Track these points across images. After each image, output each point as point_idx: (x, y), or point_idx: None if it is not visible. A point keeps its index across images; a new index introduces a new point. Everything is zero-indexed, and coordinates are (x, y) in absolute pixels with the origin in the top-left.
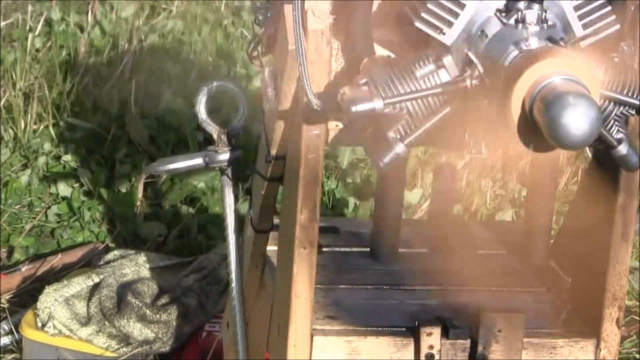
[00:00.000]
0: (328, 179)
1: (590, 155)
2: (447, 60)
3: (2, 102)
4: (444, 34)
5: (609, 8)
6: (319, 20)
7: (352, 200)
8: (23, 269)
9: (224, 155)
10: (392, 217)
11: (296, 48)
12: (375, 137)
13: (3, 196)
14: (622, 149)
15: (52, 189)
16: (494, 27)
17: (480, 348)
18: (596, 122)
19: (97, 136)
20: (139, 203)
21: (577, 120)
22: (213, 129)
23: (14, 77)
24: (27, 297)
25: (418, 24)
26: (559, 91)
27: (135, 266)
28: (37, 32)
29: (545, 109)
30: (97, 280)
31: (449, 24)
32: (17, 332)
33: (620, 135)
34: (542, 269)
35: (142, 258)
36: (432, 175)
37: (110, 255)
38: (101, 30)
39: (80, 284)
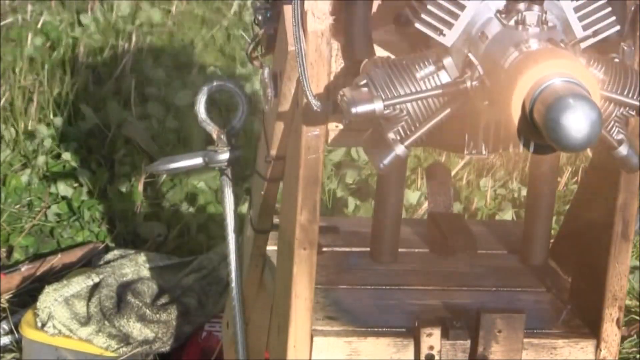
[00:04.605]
0: (328, 179)
1: (590, 154)
2: (447, 61)
3: (2, 102)
4: (444, 35)
5: (609, 9)
6: (318, 21)
7: (352, 200)
8: (23, 269)
9: (224, 155)
10: (392, 217)
11: (296, 49)
12: (375, 139)
13: (3, 195)
14: (623, 150)
15: (52, 189)
16: (494, 28)
17: (480, 348)
18: (597, 125)
19: (97, 136)
20: (139, 203)
21: (578, 123)
22: (213, 128)
23: (13, 76)
24: (26, 297)
25: (418, 25)
26: (560, 93)
27: (135, 266)
28: (36, 32)
29: (545, 111)
30: (97, 280)
31: (449, 25)
32: (17, 331)
33: (620, 137)
34: (542, 269)
35: (142, 258)
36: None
37: (110, 255)
38: (101, 30)
39: (80, 283)
